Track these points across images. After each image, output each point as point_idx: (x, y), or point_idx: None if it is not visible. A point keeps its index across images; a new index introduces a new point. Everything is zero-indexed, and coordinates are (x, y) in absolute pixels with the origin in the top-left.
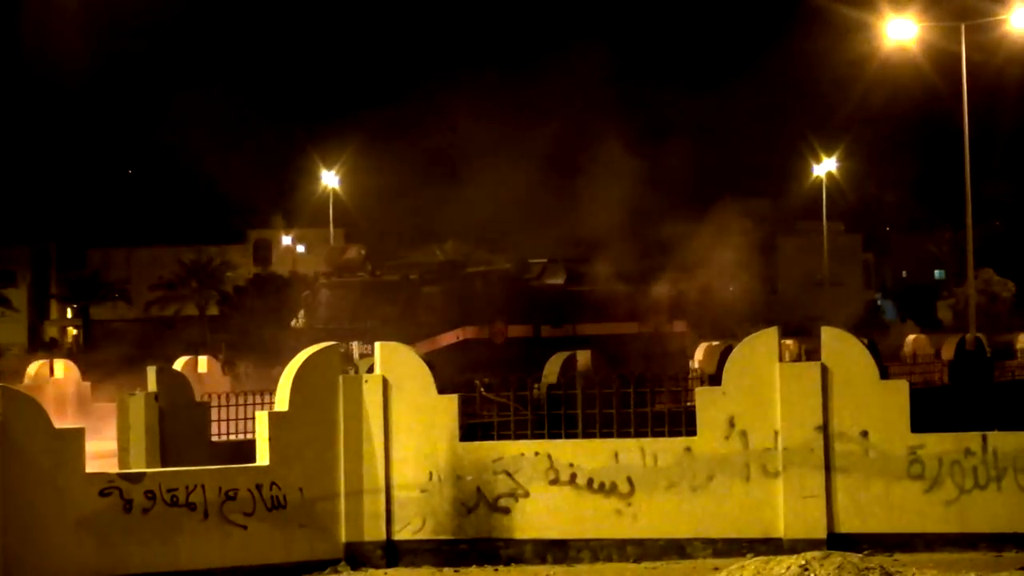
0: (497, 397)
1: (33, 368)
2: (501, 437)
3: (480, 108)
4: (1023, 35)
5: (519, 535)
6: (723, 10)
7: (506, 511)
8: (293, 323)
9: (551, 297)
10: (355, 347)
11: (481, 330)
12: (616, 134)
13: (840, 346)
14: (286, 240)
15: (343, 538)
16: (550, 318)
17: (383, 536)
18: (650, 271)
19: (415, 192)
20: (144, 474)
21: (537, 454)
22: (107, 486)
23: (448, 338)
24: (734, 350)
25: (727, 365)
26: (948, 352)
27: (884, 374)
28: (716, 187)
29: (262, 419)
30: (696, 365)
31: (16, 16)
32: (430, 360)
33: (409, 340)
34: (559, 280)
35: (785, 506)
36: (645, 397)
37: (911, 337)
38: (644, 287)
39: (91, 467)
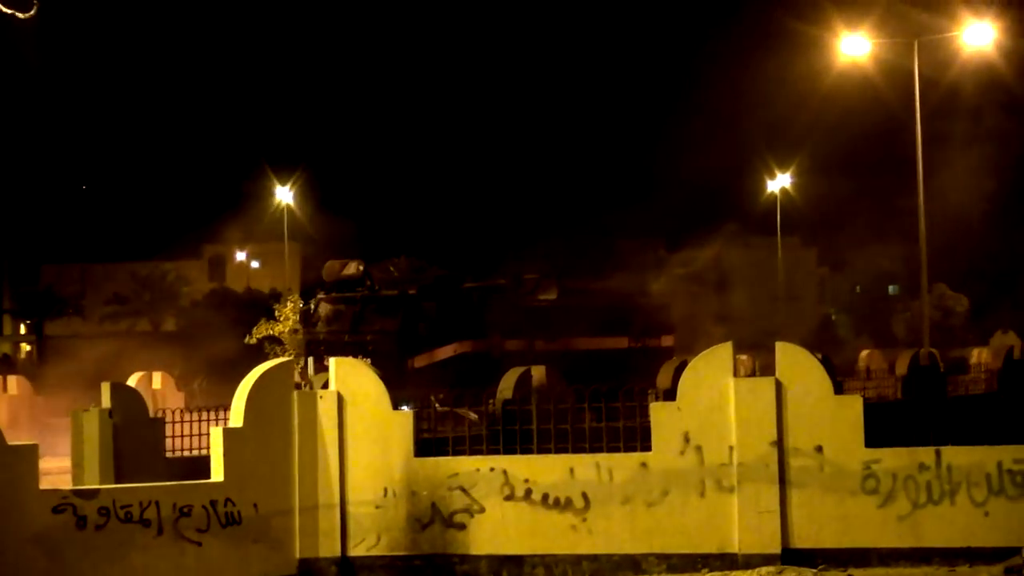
0: (456, 411)
1: None
2: (456, 452)
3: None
4: (975, 51)
5: (474, 551)
6: (676, 26)
7: (461, 527)
8: (248, 339)
9: (545, 312)
10: (310, 362)
11: (477, 344)
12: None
13: (794, 361)
14: (241, 255)
15: (298, 554)
16: (544, 333)
17: (338, 552)
18: (640, 286)
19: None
20: (98, 490)
21: (492, 469)
22: (61, 502)
23: (445, 352)
24: (689, 365)
25: (681, 380)
26: (902, 367)
27: (838, 389)
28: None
29: (217, 435)
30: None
31: None
32: (428, 373)
33: (407, 354)
34: (552, 295)
35: (740, 521)
36: (601, 412)
37: (865, 352)
38: (634, 302)
39: (45, 483)
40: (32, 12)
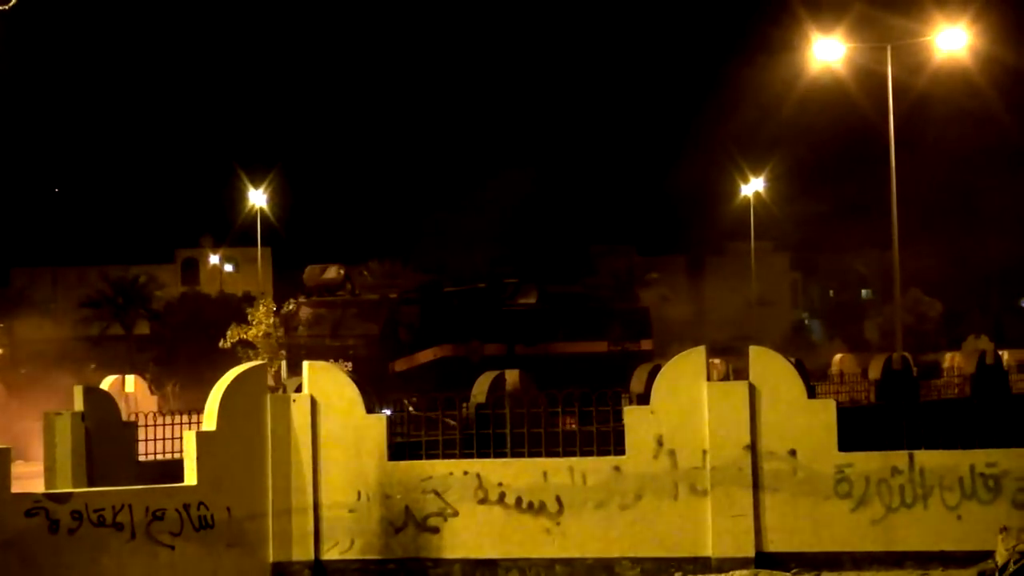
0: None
1: None
2: (430, 456)
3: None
4: (948, 56)
5: (448, 555)
6: (648, 33)
7: (435, 531)
8: (221, 343)
9: (524, 316)
10: (283, 365)
11: (458, 348)
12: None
13: (768, 365)
14: (214, 259)
15: (271, 558)
16: (524, 337)
17: (311, 556)
18: (619, 291)
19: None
20: (71, 494)
21: (466, 473)
22: (33, 506)
23: (426, 356)
24: (662, 369)
25: (655, 384)
26: (875, 371)
27: (812, 393)
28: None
29: (190, 439)
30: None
31: None
32: (409, 377)
33: (388, 358)
34: (531, 300)
35: (713, 525)
36: (575, 416)
37: (838, 356)
38: (612, 307)
39: (16, 487)
40: (9, 5)
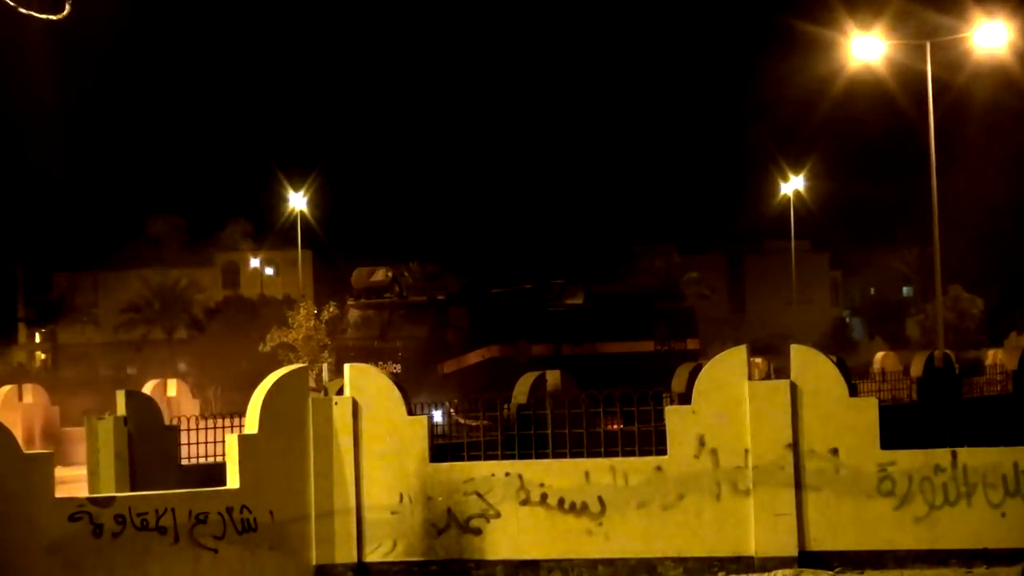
0: (466, 420)
1: (1, 393)
2: (472, 458)
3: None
4: (987, 52)
5: (490, 556)
6: (686, 31)
7: (477, 532)
8: (262, 346)
9: (571, 317)
10: (324, 368)
11: (505, 349)
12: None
13: (809, 364)
14: (254, 262)
15: (314, 560)
16: (571, 337)
17: (354, 558)
18: (663, 291)
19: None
20: (114, 498)
21: (508, 474)
22: (77, 511)
23: (474, 357)
24: (704, 369)
25: (697, 383)
26: (917, 369)
27: (853, 391)
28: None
29: (232, 442)
30: None
31: None
32: (457, 378)
33: (436, 359)
34: (578, 300)
35: (756, 524)
36: (617, 416)
37: (880, 354)
38: (658, 306)
39: (60, 492)
40: (63, 15)
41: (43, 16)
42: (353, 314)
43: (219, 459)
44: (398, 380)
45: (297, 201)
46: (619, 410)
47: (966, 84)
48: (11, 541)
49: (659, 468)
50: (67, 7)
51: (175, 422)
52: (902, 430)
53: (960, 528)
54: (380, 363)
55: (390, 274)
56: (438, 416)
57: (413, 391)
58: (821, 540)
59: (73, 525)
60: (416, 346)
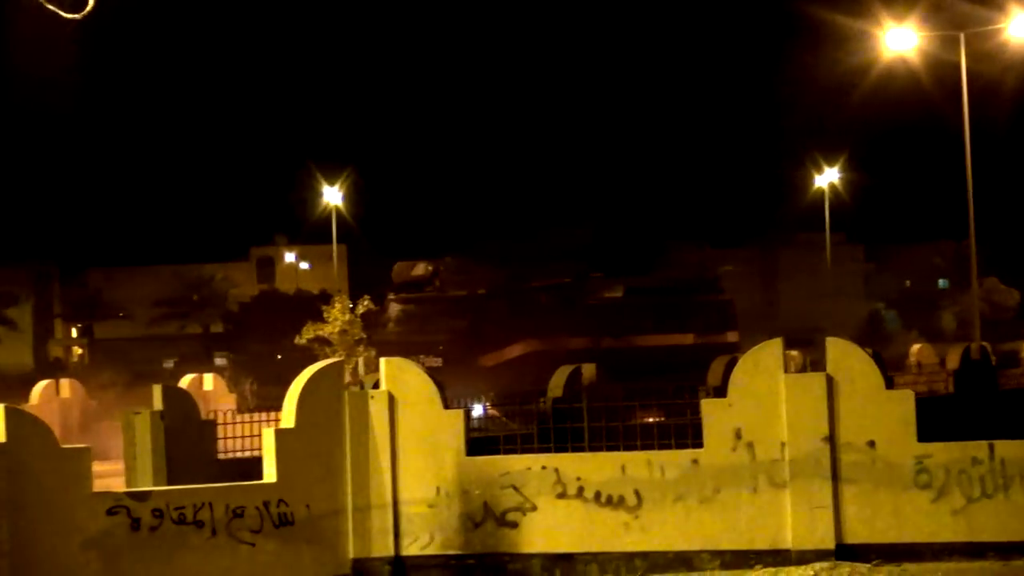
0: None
1: (39, 388)
2: (507, 451)
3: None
4: (1022, 43)
5: (526, 549)
6: (720, 23)
7: (513, 525)
8: (297, 340)
9: (610, 310)
10: (360, 363)
11: (545, 343)
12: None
13: (845, 356)
14: (289, 257)
15: (351, 554)
16: (610, 330)
17: (391, 552)
18: (701, 284)
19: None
20: (151, 492)
21: (544, 468)
22: (114, 505)
23: (514, 351)
24: (739, 362)
25: (732, 377)
26: (953, 361)
27: (889, 384)
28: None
29: (268, 436)
30: None
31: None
32: (497, 372)
33: (476, 353)
34: (617, 293)
35: (793, 517)
36: (652, 409)
37: (915, 347)
38: (697, 299)
39: (98, 486)
40: (85, 11)
41: (67, 15)
42: (394, 308)
43: (255, 453)
44: (433, 374)
45: (332, 196)
46: (655, 403)
47: (1000, 75)
48: (49, 535)
49: (695, 461)
50: (90, 3)
51: (211, 416)
52: (939, 422)
53: (998, 521)
54: (421, 357)
55: (430, 268)
56: (478, 410)
57: (453, 384)
58: (858, 533)
59: (111, 519)
60: (456, 340)
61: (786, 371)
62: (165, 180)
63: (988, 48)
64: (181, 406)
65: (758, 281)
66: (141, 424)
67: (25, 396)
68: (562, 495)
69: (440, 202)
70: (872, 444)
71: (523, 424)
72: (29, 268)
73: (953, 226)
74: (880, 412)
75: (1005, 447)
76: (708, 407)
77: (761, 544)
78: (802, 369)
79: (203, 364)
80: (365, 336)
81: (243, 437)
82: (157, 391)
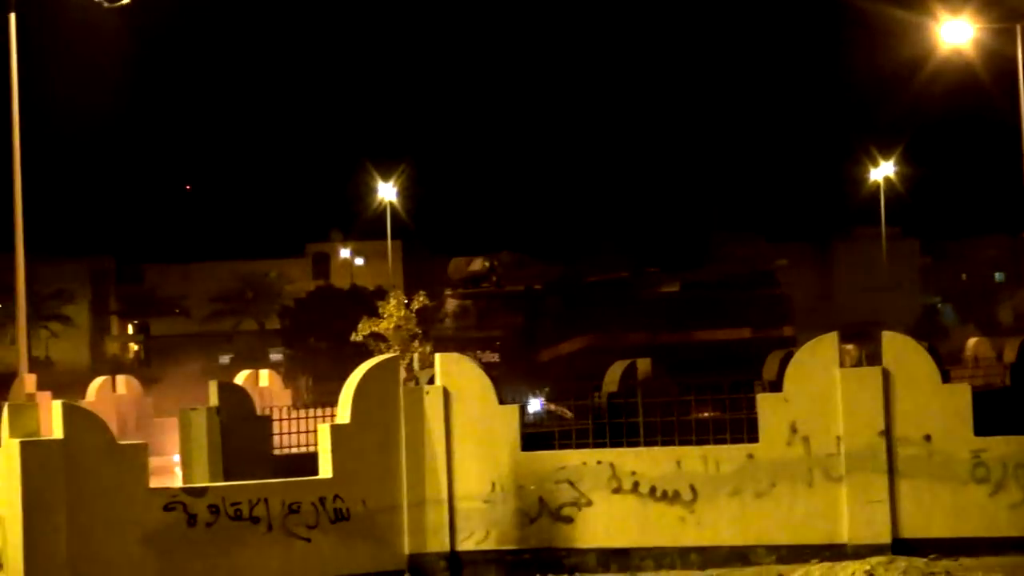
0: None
1: (95, 384)
2: (562, 446)
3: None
4: None
5: (582, 544)
6: (778, 14)
7: (569, 520)
8: (353, 336)
9: (667, 305)
10: (415, 358)
11: (601, 338)
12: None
13: (901, 350)
14: (344, 253)
15: (406, 549)
16: (667, 325)
17: (447, 547)
18: (758, 278)
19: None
20: (208, 488)
21: (599, 463)
22: (171, 501)
23: (570, 346)
24: (794, 356)
25: (788, 371)
26: (1010, 354)
27: (946, 377)
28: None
29: (324, 432)
30: None
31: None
32: (554, 367)
33: (533, 348)
34: (673, 288)
35: (849, 511)
36: (707, 404)
37: (972, 340)
38: (754, 293)
39: (154, 482)
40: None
41: (107, 4)
42: (451, 304)
43: (311, 449)
44: (488, 369)
45: (386, 192)
46: (710, 398)
47: None
48: (106, 531)
49: (751, 456)
50: None
51: (267, 412)
52: (996, 416)
53: None
54: (478, 352)
55: (487, 264)
56: (536, 405)
57: (510, 380)
58: (914, 527)
59: (167, 515)
60: (513, 335)
61: (842, 365)
62: (219, 177)
63: None
64: (237, 402)
65: (814, 275)
66: (197, 420)
67: (82, 393)
68: (617, 490)
69: (492, 197)
70: (928, 438)
71: (578, 419)
72: (85, 265)
73: (1010, 219)
74: (936, 406)
75: None
76: (763, 402)
77: (817, 539)
78: (858, 363)
79: (259, 360)
80: (420, 332)
81: (299, 433)
82: (213, 387)
